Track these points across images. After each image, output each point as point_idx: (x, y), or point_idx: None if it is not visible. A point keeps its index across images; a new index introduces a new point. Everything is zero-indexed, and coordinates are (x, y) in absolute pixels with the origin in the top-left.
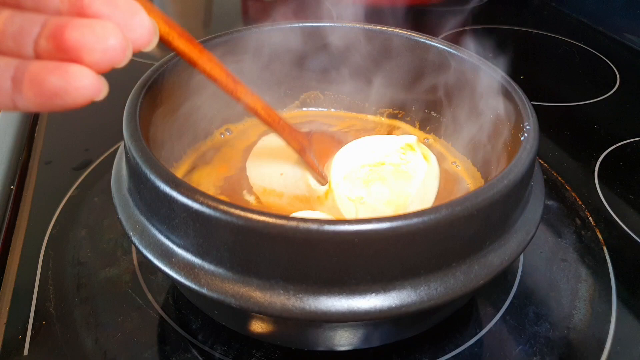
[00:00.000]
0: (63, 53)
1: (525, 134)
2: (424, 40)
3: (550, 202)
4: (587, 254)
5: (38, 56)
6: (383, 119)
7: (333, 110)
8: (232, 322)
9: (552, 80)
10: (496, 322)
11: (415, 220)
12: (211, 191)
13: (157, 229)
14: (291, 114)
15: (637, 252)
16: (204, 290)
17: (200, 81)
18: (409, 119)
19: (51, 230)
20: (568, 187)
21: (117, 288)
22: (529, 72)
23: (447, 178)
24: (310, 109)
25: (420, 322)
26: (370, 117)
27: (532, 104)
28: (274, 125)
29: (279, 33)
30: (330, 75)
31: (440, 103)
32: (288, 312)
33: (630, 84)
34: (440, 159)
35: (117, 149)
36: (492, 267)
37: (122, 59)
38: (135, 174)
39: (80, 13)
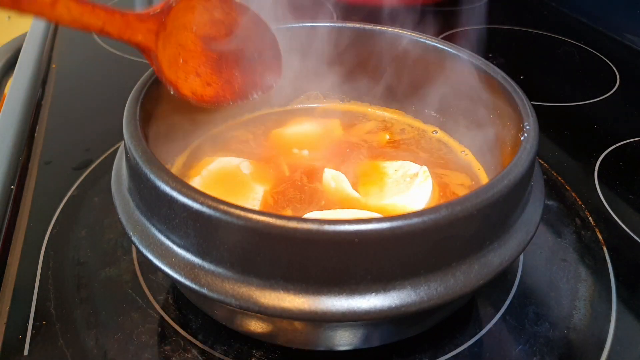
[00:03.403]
0: None
1: (525, 134)
2: (424, 40)
3: (550, 202)
4: (587, 254)
5: None
6: (386, 114)
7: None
8: (232, 322)
9: (552, 80)
10: (496, 322)
11: (415, 220)
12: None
13: (157, 228)
14: (290, 107)
15: (637, 252)
16: (204, 290)
17: None
18: (410, 116)
19: (51, 230)
20: (568, 187)
21: (117, 288)
22: (529, 72)
23: (457, 167)
24: (314, 105)
25: (420, 322)
26: (372, 114)
27: (532, 104)
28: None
29: (279, 33)
30: (329, 75)
31: (440, 103)
32: (288, 312)
33: (630, 84)
34: (449, 149)
35: (117, 149)
36: (492, 267)
37: None
38: (135, 173)
39: None
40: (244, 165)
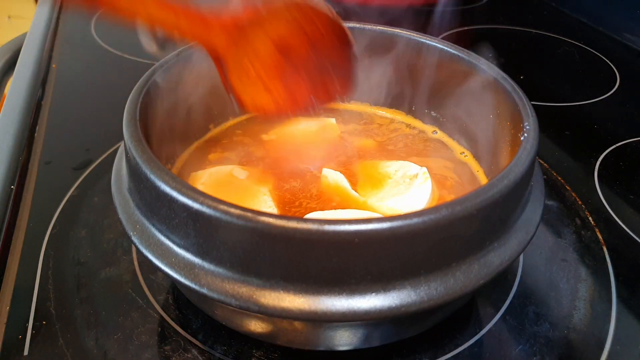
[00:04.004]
0: None
1: (525, 134)
2: (424, 40)
3: (550, 202)
4: (587, 253)
5: None
6: (386, 114)
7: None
8: (232, 322)
9: (552, 80)
10: (496, 322)
11: (415, 220)
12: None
13: (157, 228)
14: None
15: (637, 252)
16: (204, 290)
17: (200, 79)
18: (410, 116)
19: (51, 230)
20: (568, 187)
21: (117, 288)
22: (529, 72)
23: (456, 168)
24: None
25: (420, 322)
26: (372, 114)
27: (532, 104)
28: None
29: None
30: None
31: (440, 103)
32: (288, 312)
33: (630, 84)
34: (448, 150)
35: (117, 149)
36: (492, 267)
37: None
38: (135, 173)
39: None
40: (237, 172)
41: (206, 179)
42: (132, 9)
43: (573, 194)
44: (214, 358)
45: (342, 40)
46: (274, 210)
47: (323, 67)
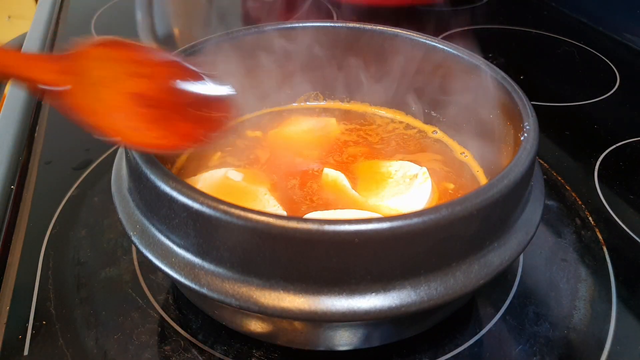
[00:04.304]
0: None
1: (525, 134)
2: (424, 40)
3: (550, 202)
4: (587, 253)
5: None
6: (386, 114)
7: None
8: (232, 322)
9: (552, 80)
10: (496, 322)
11: (415, 220)
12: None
13: (157, 228)
14: (290, 107)
15: (637, 252)
16: (204, 290)
17: None
18: (410, 116)
19: (51, 230)
20: (568, 187)
21: (117, 288)
22: (529, 72)
23: (456, 168)
24: (314, 105)
25: (421, 322)
26: (372, 114)
27: (532, 104)
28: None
29: (280, 33)
30: (330, 75)
31: (440, 103)
32: (288, 312)
33: (630, 84)
34: (448, 150)
35: (117, 149)
36: (492, 267)
37: None
38: (135, 173)
39: None
40: (231, 174)
41: (201, 184)
42: None
43: (573, 194)
44: (214, 358)
45: (190, 75)
46: (279, 209)
47: (189, 102)
